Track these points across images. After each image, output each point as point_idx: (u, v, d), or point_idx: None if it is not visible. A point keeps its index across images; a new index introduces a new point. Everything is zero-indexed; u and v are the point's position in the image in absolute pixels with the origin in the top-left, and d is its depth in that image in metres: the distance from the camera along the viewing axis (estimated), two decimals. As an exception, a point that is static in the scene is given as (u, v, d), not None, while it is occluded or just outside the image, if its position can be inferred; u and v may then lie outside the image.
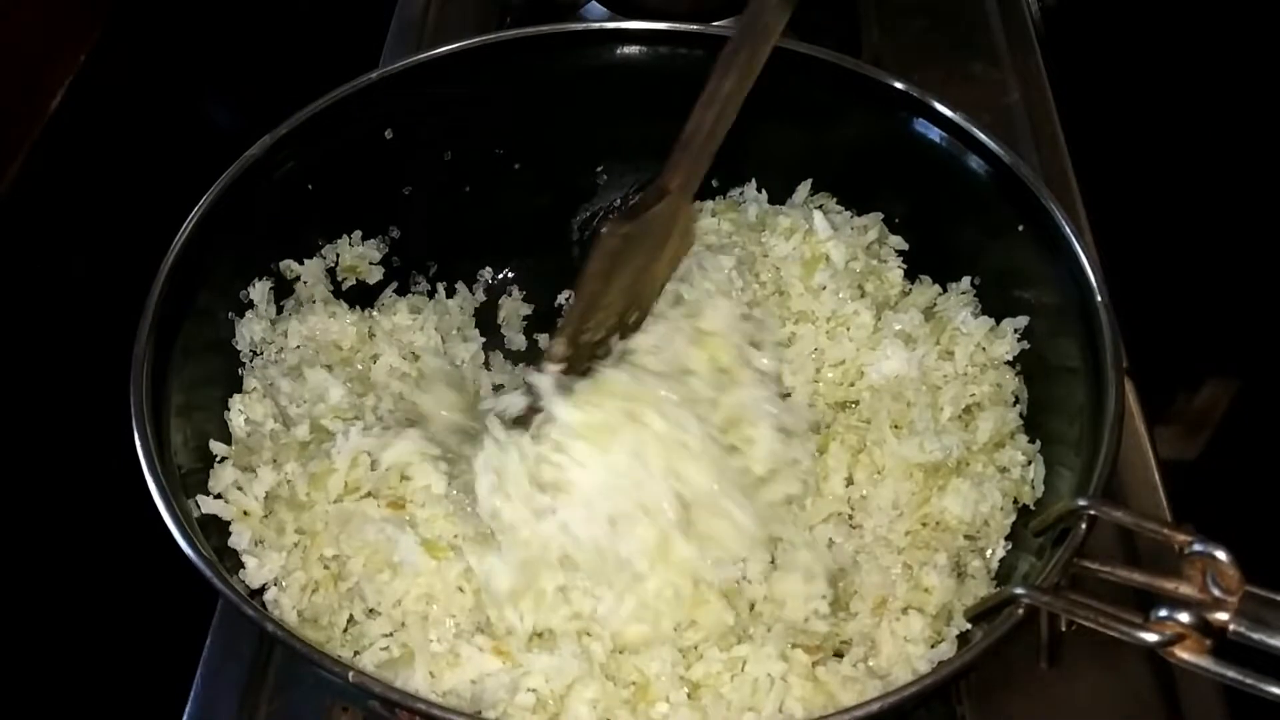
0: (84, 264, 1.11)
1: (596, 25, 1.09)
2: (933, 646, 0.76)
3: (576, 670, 0.72)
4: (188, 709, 0.84)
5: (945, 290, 0.95)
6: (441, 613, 0.76)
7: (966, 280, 0.94)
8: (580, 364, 0.82)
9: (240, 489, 0.80)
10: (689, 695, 0.73)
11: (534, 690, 0.72)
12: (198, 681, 0.85)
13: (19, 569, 0.98)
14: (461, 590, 0.77)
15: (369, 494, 0.81)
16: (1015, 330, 0.89)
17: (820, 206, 1.00)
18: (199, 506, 0.77)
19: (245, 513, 0.79)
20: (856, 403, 0.90)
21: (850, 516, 0.85)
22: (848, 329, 0.91)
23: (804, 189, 1.01)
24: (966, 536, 0.82)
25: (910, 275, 0.97)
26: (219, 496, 0.79)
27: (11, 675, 0.94)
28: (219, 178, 0.86)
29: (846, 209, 1.00)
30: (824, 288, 0.92)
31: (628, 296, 0.84)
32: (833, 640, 0.78)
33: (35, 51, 1.14)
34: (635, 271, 0.83)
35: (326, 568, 0.78)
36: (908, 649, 0.76)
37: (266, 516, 0.80)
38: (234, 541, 0.78)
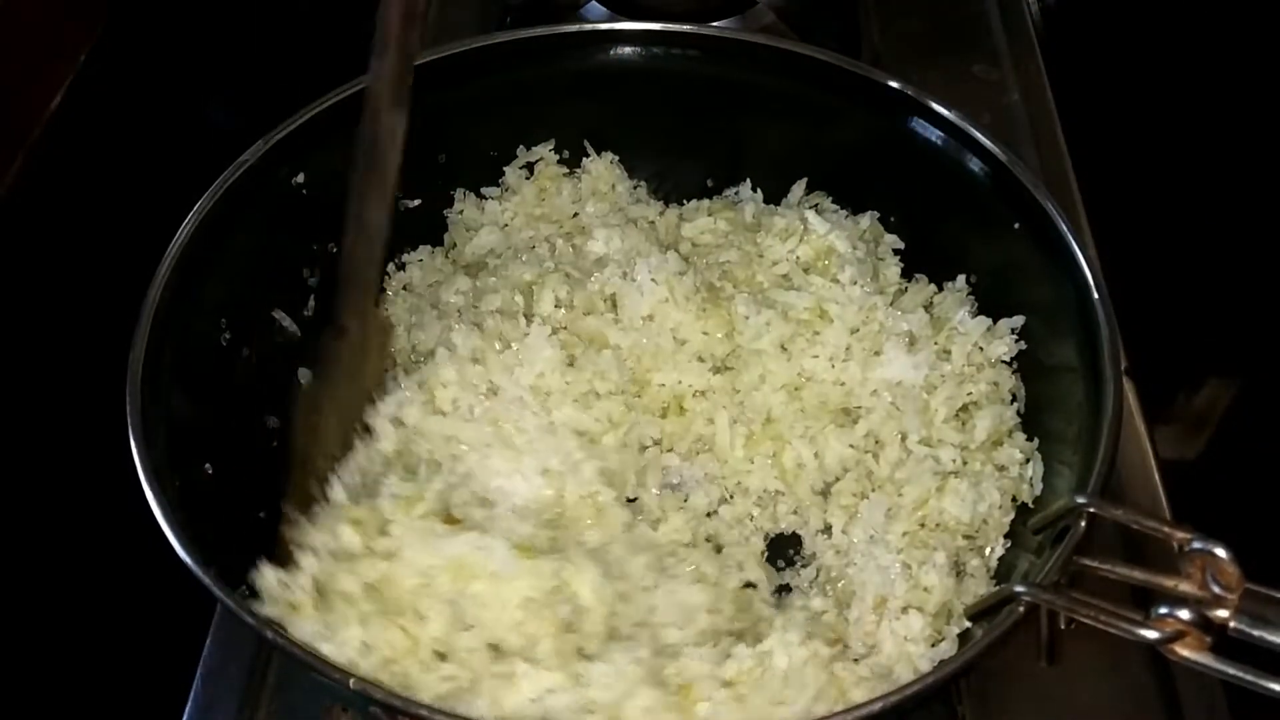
0: (84, 264, 1.11)
1: (596, 26, 1.09)
2: (933, 645, 0.76)
3: (634, 675, 0.72)
4: (187, 709, 0.84)
5: (941, 289, 0.95)
6: (535, 618, 0.75)
7: (962, 279, 0.94)
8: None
9: (285, 584, 0.75)
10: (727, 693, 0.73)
11: (596, 703, 0.71)
12: (197, 682, 0.85)
13: (18, 570, 0.98)
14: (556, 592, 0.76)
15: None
16: (1012, 330, 0.89)
17: (815, 206, 1.00)
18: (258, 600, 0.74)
19: (295, 607, 0.75)
20: (859, 407, 0.90)
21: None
22: (860, 325, 0.91)
23: (799, 188, 1.01)
24: (965, 536, 0.82)
25: (906, 274, 0.97)
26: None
27: (12, 676, 0.94)
28: (213, 183, 0.85)
29: (842, 208, 1.00)
30: (855, 282, 0.93)
31: (341, 425, 0.86)
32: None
33: (35, 51, 1.14)
34: (340, 405, 0.85)
35: (403, 628, 0.74)
36: (908, 648, 0.76)
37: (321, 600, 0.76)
38: (297, 634, 0.72)
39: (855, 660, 0.77)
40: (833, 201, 1.01)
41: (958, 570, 0.80)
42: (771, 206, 1.01)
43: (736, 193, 1.04)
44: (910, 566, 0.80)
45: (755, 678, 0.73)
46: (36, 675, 0.95)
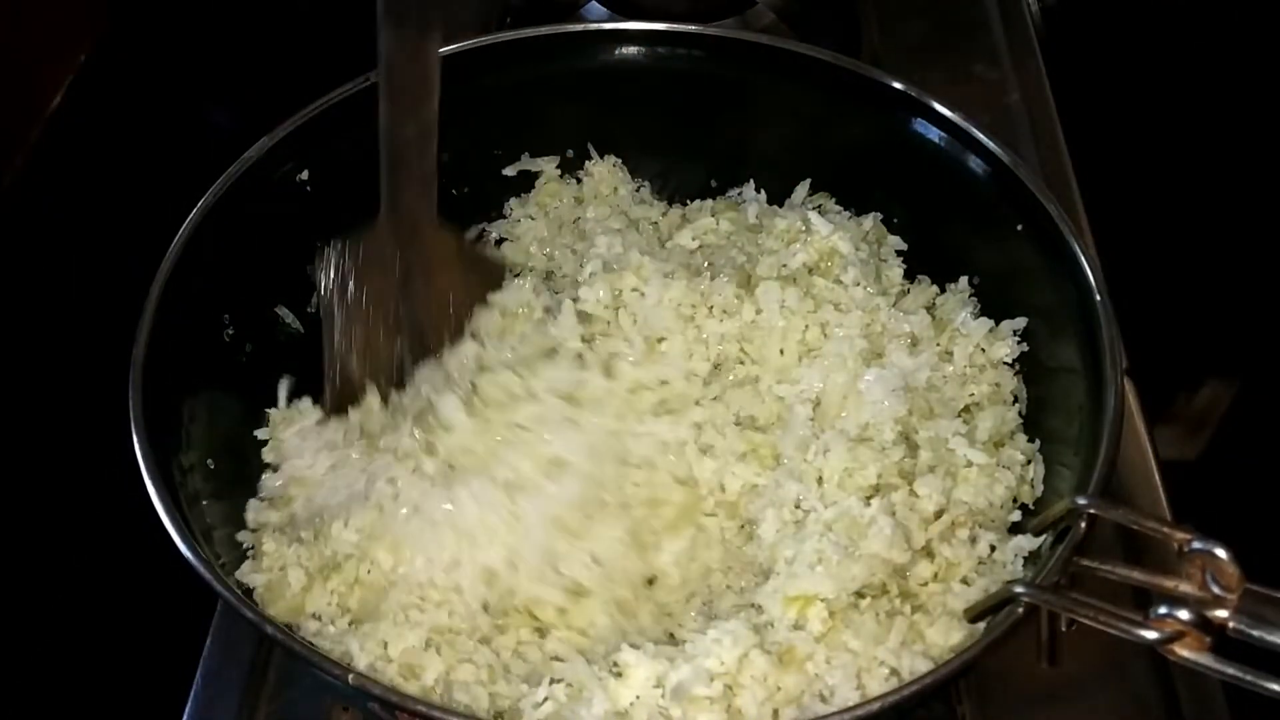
0: (84, 264, 1.11)
1: (596, 26, 1.09)
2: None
3: (747, 639, 0.73)
4: (188, 709, 0.84)
5: (944, 291, 0.95)
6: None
7: (964, 280, 0.94)
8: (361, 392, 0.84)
9: None
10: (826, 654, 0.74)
11: (712, 672, 0.71)
12: (198, 681, 0.85)
13: (19, 568, 0.98)
14: None
15: None
16: (1014, 332, 0.89)
17: (819, 207, 1.00)
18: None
19: None
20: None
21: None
22: (868, 325, 0.91)
23: (802, 189, 1.01)
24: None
25: (909, 275, 0.97)
26: None
27: (12, 675, 0.94)
28: (216, 180, 0.86)
29: (845, 209, 1.00)
30: (857, 283, 0.92)
31: (408, 326, 0.84)
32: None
33: (35, 51, 1.14)
34: (390, 299, 0.83)
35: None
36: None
37: None
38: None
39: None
40: (836, 202, 1.01)
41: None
42: (774, 208, 1.01)
43: (740, 193, 1.04)
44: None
45: (842, 631, 0.74)
46: (37, 675, 0.95)
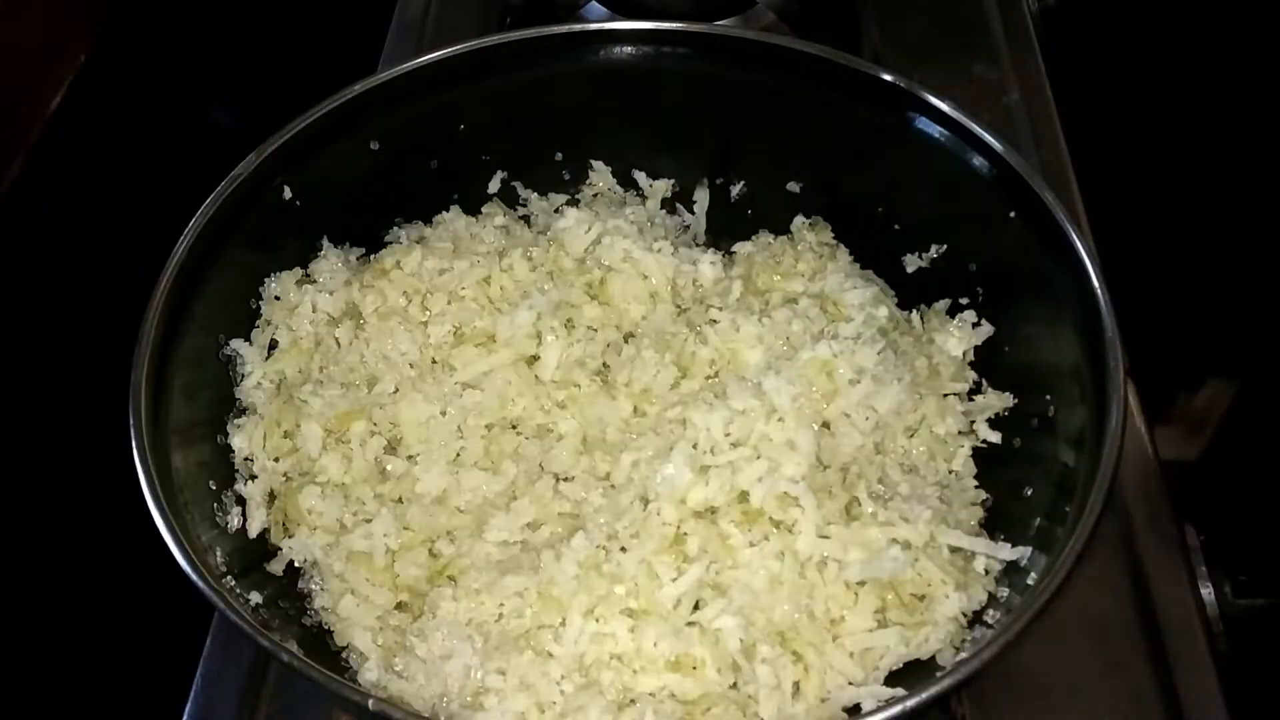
0: (84, 264, 1.11)
1: (597, 26, 1.09)
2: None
3: None
4: (187, 709, 0.84)
5: (931, 306, 0.96)
6: None
7: (947, 301, 0.95)
8: None
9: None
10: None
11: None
12: (198, 682, 0.85)
13: (19, 570, 0.98)
14: None
15: None
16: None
17: (811, 224, 1.01)
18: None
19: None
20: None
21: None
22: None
23: (800, 220, 1.02)
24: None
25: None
26: None
27: (13, 675, 0.94)
28: (216, 180, 0.86)
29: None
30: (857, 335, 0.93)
31: None
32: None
33: (35, 51, 1.14)
34: None
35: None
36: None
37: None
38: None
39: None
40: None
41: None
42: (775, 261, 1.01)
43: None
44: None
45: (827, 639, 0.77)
46: (37, 675, 0.95)
